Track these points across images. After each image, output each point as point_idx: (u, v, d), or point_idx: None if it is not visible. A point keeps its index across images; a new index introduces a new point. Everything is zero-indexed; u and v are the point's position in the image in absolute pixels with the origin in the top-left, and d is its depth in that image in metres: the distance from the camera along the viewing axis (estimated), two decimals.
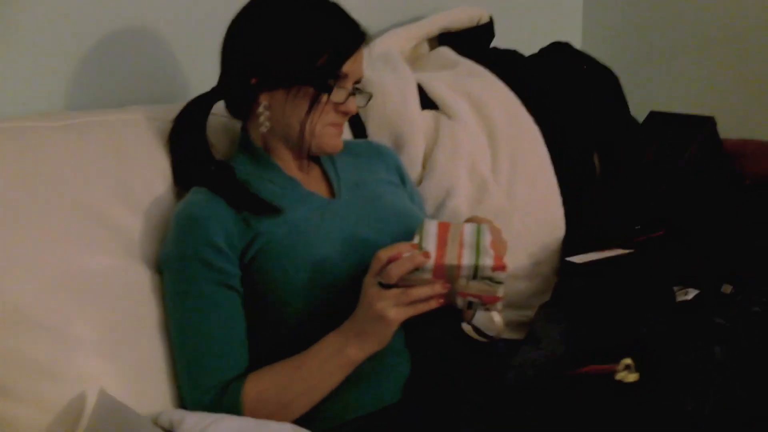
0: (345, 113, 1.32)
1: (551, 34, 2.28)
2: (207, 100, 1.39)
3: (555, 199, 1.82)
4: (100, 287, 1.25)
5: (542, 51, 2.17)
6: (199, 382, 1.23)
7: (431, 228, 1.15)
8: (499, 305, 1.16)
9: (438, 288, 1.13)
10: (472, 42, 2.09)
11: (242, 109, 1.37)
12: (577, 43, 2.61)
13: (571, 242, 1.79)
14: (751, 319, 1.38)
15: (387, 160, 1.52)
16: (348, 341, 1.17)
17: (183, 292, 1.25)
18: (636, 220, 1.85)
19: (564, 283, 1.73)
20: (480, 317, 1.33)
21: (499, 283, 1.13)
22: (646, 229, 1.81)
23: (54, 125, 1.33)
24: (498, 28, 2.17)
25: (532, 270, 1.76)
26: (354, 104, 1.32)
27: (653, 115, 2.08)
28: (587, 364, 1.26)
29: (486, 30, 2.13)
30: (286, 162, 1.36)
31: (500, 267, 1.11)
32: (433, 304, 1.14)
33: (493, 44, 2.17)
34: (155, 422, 1.19)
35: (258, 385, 1.21)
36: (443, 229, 1.16)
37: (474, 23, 2.10)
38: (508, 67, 1.98)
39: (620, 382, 1.19)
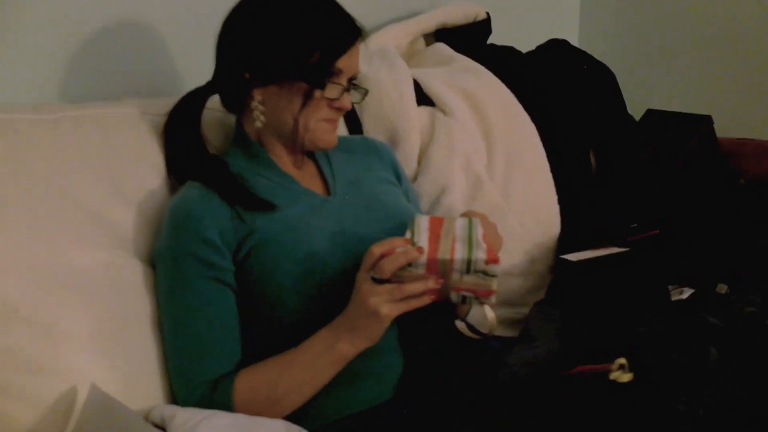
0: (339, 109, 1.31)
1: (548, 32, 2.28)
2: (201, 94, 1.39)
3: (551, 197, 1.81)
4: (92, 282, 1.24)
5: (539, 48, 2.16)
6: (190, 378, 1.22)
7: (423, 223, 1.15)
8: (493, 298, 1.16)
9: (431, 283, 1.12)
10: (469, 38, 2.08)
11: (236, 103, 1.36)
12: (574, 41, 2.61)
13: (567, 240, 1.79)
14: (746, 319, 1.38)
15: (382, 156, 1.51)
16: (339, 337, 1.17)
17: (176, 288, 1.24)
18: (632, 219, 1.85)
19: (559, 281, 1.73)
20: (473, 314, 1.33)
21: (493, 276, 1.13)
22: (641, 227, 1.80)
23: (46, 118, 1.32)
24: (495, 26, 2.16)
25: (527, 267, 1.76)
26: (348, 100, 1.32)
27: (650, 114, 2.09)
28: (582, 363, 1.26)
29: (483, 27, 2.12)
30: (281, 157, 1.36)
31: (493, 260, 1.11)
32: (426, 300, 1.14)
33: (489, 42, 2.16)
34: (147, 418, 1.19)
35: (249, 381, 1.20)
36: (435, 224, 1.15)
37: (471, 20, 2.09)
38: (505, 63, 1.97)
39: (614, 381, 1.18)
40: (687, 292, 1.58)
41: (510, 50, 2.09)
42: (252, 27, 1.29)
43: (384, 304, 1.12)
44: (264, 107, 1.31)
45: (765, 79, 2.22)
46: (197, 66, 1.46)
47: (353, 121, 1.72)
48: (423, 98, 1.81)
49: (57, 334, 1.18)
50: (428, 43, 2.11)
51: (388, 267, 1.10)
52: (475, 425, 1.19)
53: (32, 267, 1.19)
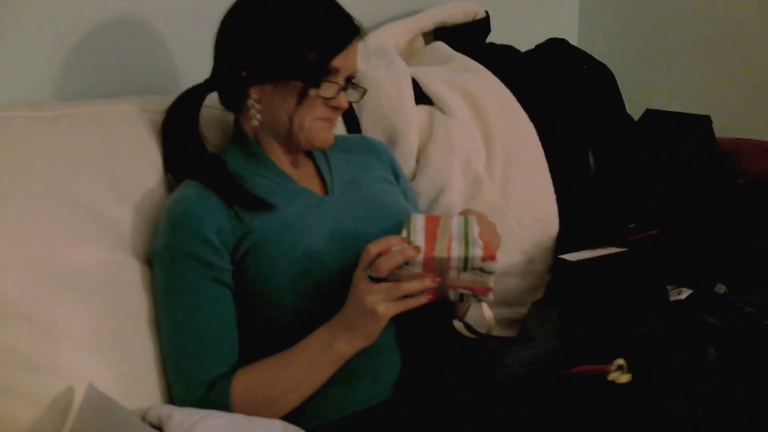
0: (336, 108, 1.31)
1: (547, 32, 2.27)
2: (199, 91, 1.38)
3: (549, 196, 1.81)
4: (90, 280, 1.24)
5: (538, 47, 2.15)
6: (187, 378, 1.22)
7: (419, 222, 1.15)
8: (490, 295, 1.16)
9: (428, 282, 1.12)
10: (468, 37, 2.08)
11: (234, 101, 1.36)
12: (573, 41, 2.60)
13: (565, 240, 1.78)
14: (745, 319, 1.37)
15: (381, 155, 1.51)
16: (337, 336, 1.17)
17: (173, 287, 1.24)
18: (630, 219, 1.84)
19: (557, 280, 1.73)
20: (471, 314, 1.33)
21: (490, 273, 1.12)
22: (640, 228, 1.80)
23: (45, 116, 1.32)
24: (494, 25, 2.16)
25: (525, 267, 1.76)
26: (345, 99, 1.31)
27: (649, 113, 2.08)
28: (580, 364, 1.26)
29: (482, 26, 2.12)
30: (278, 156, 1.36)
31: (490, 257, 1.11)
32: (423, 300, 1.14)
33: (488, 41, 2.16)
34: (144, 418, 1.19)
35: (246, 381, 1.20)
36: (431, 222, 1.15)
37: (470, 18, 2.09)
38: (504, 62, 1.97)
39: (613, 382, 1.18)
40: (685, 293, 1.58)
41: (509, 49, 2.09)
42: (249, 25, 1.29)
43: (381, 303, 1.12)
44: (260, 105, 1.30)
45: (764, 79, 2.22)
46: (196, 64, 1.45)
47: (351, 120, 1.72)
48: (422, 97, 1.80)
49: (55, 333, 1.18)
50: (427, 42, 2.10)
51: (385, 266, 1.10)
52: (473, 425, 1.19)
53: (31, 265, 1.19)
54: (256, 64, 1.28)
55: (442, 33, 2.08)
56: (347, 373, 1.20)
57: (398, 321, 1.19)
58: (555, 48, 2.13)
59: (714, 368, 1.22)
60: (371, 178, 1.43)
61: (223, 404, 1.18)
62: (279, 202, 1.28)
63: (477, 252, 1.10)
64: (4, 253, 1.17)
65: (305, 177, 1.38)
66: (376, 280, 1.12)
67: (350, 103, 1.56)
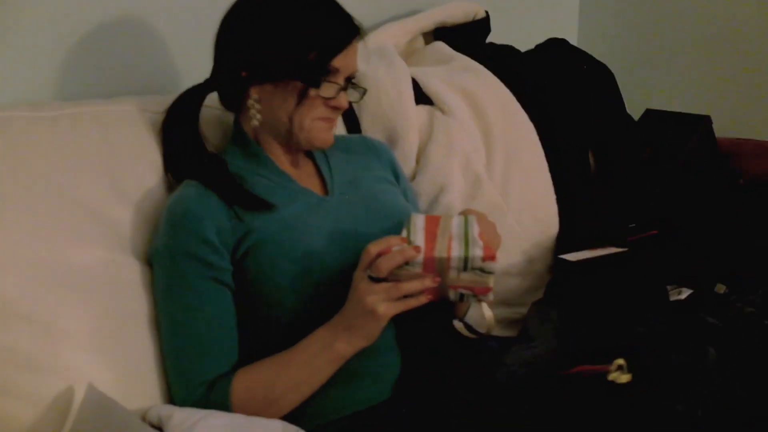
0: (336, 108, 1.31)
1: (547, 31, 2.27)
2: (200, 91, 1.38)
3: (549, 196, 1.81)
4: (90, 280, 1.24)
5: (538, 47, 2.15)
6: (187, 378, 1.22)
7: (419, 222, 1.15)
8: (490, 295, 1.16)
9: (428, 282, 1.12)
10: (468, 37, 2.08)
11: (234, 101, 1.36)
12: (573, 40, 2.60)
13: (565, 240, 1.78)
14: (745, 319, 1.37)
15: (381, 156, 1.51)
16: (336, 336, 1.17)
17: (173, 287, 1.24)
18: (630, 219, 1.84)
19: (557, 280, 1.73)
20: (471, 314, 1.33)
21: (490, 272, 1.12)
22: (640, 228, 1.80)
23: (45, 116, 1.32)
24: (494, 25, 2.16)
25: (525, 267, 1.76)
26: (345, 99, 1.31)
27: (649, 113, 2.08)
28: (580, 364, 1.26)
29: (481, 26, 2.12)
30: (278, 156, 1.36)
31: (490, 256, 1.11)
32: (423, 300, 1.13)
33: (488, 41, 2.16)
34: (143, 418, 1.19)
35: (246, 381, 1.20)
36: (431, 222, 1.15)
37: (470, 18, 2.09)
38: (504, 62, 1.97)
39: (613, 382, 1.18)
40: (685, 293, 1.57)
41: (509, 49, 2.09)
42: (248, 25, 1.29)
43: (381, 303, 1.11)
44: (260, 105, 1.30)
45: (764, 79, 2.22)
46: (196, 64, 1.45)
47: (351, 120, 1.72)
48: (422, 97, 1.80)
49: (55, 333, 1.18)
50: (427, 42, 2.10)
51: (385, 266, 1.10)
52: (473, 425, 1.19)
53: (31, 265, 1.19)
54: (256, 64, 1.28)
55: (442, 33, 2.08)
56: (347, 373, 1.20)
57: (398, 321, 1.19)
58: (555, 48, 2.13)
59: (714, 368, 1.22)
60: (371, 178, 1.43)
61: (223, 404, 1.18)
62: (279, 202, 1.28)
63: (477, 252, 1.10)
64: (4, 253, 1.17)
65: (305, 177, 1.38)
66: (376, 280, 1.12)
67: (350, 103, 1.56)
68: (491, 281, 1.14)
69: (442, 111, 1.77)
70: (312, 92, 1.27)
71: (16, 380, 1.14)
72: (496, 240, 1.28)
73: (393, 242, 1.11)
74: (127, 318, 1.26)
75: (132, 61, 1.60)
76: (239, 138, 1.36)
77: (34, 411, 1.14)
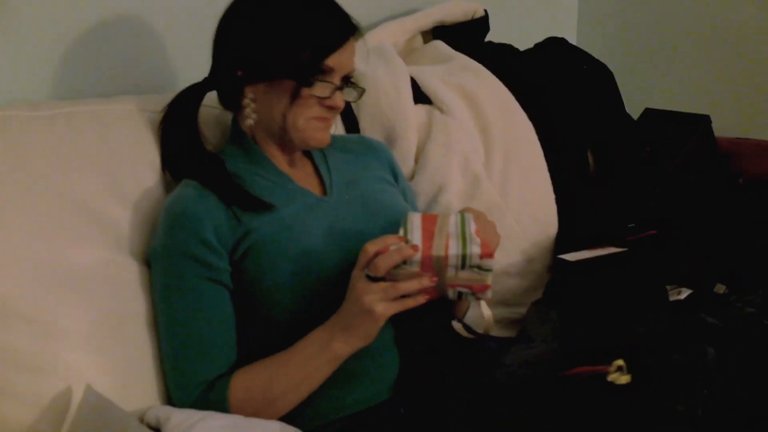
0: (331, 108, 1.30)
1: (546, 30, 2.27)
2: (198, 90, 1.38)
3: (548, 196, 1.81)
4: (88, 280, 1.24)
5: (537, 46, 2.15)
6: (186, 379, 1.21)
7: (415, 220, 1.15)
8: (489, 293, 1.16)
9: (426, 281, 1.12)
10: (467, 36, 2.07)
11: (231, 101, 1.35)
12: (572, 39, 2.60)
13: (564, 240, 1.78)
14: (744, 319, 1.37)
15: (380, 155, 1.50)
16: (334, 335, 1.16)
17: (172, 287, 1.24)
18: (630, 219, 1.84)
19: (556, 280, 1.73)
20: (470, 314, 1.33)
21: (488, 270, 1.12)
22: (639, 227, 1.80)
23: (41, 115, 1.32)
24: (493, 24, 2.15)
25: (524, 267, 1.75)
26: (341, 99, 1.30)
27: (648, 113, 2.08)
28: (579, 364, 1.25)
29: (480, 24, 2.11)
30: (276, 156, 1.35)
31: (488, 254, 1.11)
32: (421, 300, 1.13)
33: (487, 39, 2.15)
34: (142, 419, 1.18)
35: (244, 382, 1.20)
36: (428, 221, 1.15)
37: (469, 17, 2.08)
38: (503, 61, 1.96)
39: (612, 383, 1.18)
40: (685, 293, 1.57)
41: (508, 48, 2.09)
42: (244, 24, 1.29)
43: (378, 303, 1.11)
44: (255, 105, 1.30)
45: (763, 78, 2.21)
46: (194, 62, 1.45)
47: (350, 119, 1.71)
48: (420, 96, 1.80)
49: (54, 333, 1.18)
50: (426, 41, 2.10)
51: (383, 265, 1.09)
52: (473, 425, 1.19)
53: (30, 265, 1.19)
54: (250, 63, 1.28)
55: (440, 32, 2.08)
56: (346, 373, 1.19)
57: (396, 321, 1.18)
58: (554, 47, 2.13)
59: (714, 368, 1.22)
60: (370, 178, 1.43)
61: (221, 405, 1.18)
62: (277, 202, 1.28)
63: (475, 249, 1.10)
64: (3, 254, 1.17)
65: (304, 177, 1.37)
66: (374, 279, 1.12)
67: (349, 103, 1.56)
68: (489, 279, 1.14)
69: (441, 110, 1.77)
70: (305, 91, 1.26)
71: (14, 380, 1.14)
72: (495, 239, 1.28)
73: (390, 241, 1.11)
74: (126, 318, 1.25)
75: (130, 60, 1.60)
76: (237, 137, 1.36)
77: (32, 412, 1.13)
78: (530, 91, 1.90)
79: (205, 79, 1.38)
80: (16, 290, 1.16)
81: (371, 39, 1.88)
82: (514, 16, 2.43)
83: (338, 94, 1.29)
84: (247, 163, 1.34)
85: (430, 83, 1.80)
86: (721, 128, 2.03)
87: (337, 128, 1.65)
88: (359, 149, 1.49)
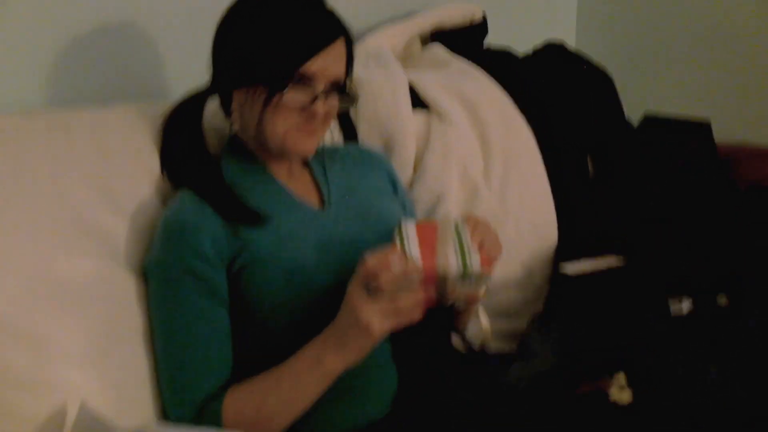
0: (311, 116, 1.26)
1: (545, 32, 2.26)
2: (201, 95, 1.37)
3: (548, 204, 1.79)
4: (83, 294, 1.22)
5: (536, 52, 2.14)
6: (181, 395, 1.20)
7: (411, 230, 1.13)
8: (480, 303, 1.17)
9: (425, 296, 1.10)
10: (466, 40, 2.06)
11: (224, 106, 1.34)
12: (571, 41, 2.59)
13: (564, 247, 1.77)
14: (747, 332, 1.37)
15: (379, 166, 1.49)
16: (326, 350, 1.14)
17: (168, 301, 1.22)
18: (629, 225, 1.83)
19: (557, 293, 1.71)
20: (471, 327, 1.32)
21: (486, 281, 1.12)
22: (640, 234, 1.79)
23: (35, 123, 1.30)
24: (492, 25, 2.14)
25: (524, 278, 1.74)
26: (322, 107, 1.25)
27: (648, 118, 2.07)
28: (580, 377, 1.25)
29: (479, 28, 2.10)
30: (272, 166, 1.34)
31: (487, 264, 1.11)
32: (417, 315, 1.11)
33: (486, 41, 2.14)
34: None
35: (238, 400, 1.18)
36: (424, 231, 1.14)
37: (467, 21, 2.07)
38: (502, 66, 1.95)
39: (615, 403, 1.18)
40: (686, 303, 1.56)
41: (507, 53, 2.07)
42: (230, 29, 1.28)
43: (376, 318, 1.09)
44: (238, 111, 1.29)
45: (764, 83, 2.20)
46: (192, 69, 1.43)
47: (348, 126, 1.70)
48: (418, 101, 1.78)
49: (48, 348, 1.16)
50: (424, 44, 2.08)
51: (386, 283, 1.07)
52: (473, 425, 1.19)
53: (23, 278, 1.17)
54: (232, 68, 1.27)
55: (439, 35, 2.06)
56: (342, 389, 1.18)
57: (394, 337, 1.17)
58: (553, 52, 2.11)
59: (715, 385, 1.21)
60: (368, 189, 1.41)
61: (215, 422, 1.17)
62: (274, 214, 1.26)
63: (475, 262, 1.10)
64: None
65: (301, 187, 1.36)
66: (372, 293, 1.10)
67: (347, 110, 1.54)
68: (483, 290, 1.14)
69: (440, 116, 1.75)
70: (277, 99, 1.23)
71: (8, 397, 1.12)
72: (497, 248, 1.26)
73: (392, 257, 1.09)
74: (122, 332, 1.24)
75: (127, 67, 1.58)
76: (234, 146, 1.35)
77: (26, 429, 1.12)
78: (529, 96, 1.89)
79: (208, 84, 1.36)
80: (6, 303, 1.14)
81: (370, 43, 1.87)
82: (513, 18, 2.41)
83: (320, 102, 1.25)
84: (243, 172, 1.32)
85: (429, 89, 1.78)
86: (722, 133, 2.02)
87: (335, 136, 1.64)
88: (358, 160, 1.47)
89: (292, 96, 1.23)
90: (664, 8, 2.43)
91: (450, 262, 1.09)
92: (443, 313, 1.25)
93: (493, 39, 2.14)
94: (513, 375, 1.34)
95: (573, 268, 1.65)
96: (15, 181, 1.22)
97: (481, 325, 1.30)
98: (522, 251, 1.74)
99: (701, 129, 1.95)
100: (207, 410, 1.18)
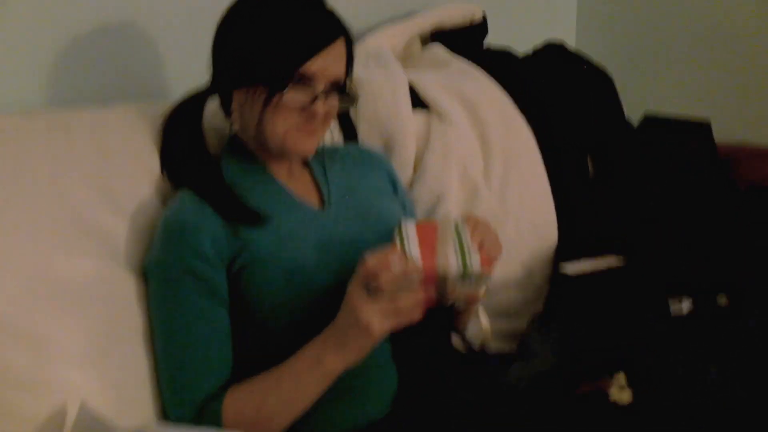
0: (311, 116, 1.25)
1: (545, 31, 2.26)
2: (202, 95, 1.37)
3: (548, 204, 1.79)
4: (83, 294, 1.22)
5: (536, 52, 2.14)
6: (181, 395, 1.20)
7: (411, 230, 1.13)
8: (480, 303, 1.17)
9: (425, 296, 1.10)
10: (466, 40, 2.06)
11: (224, 106, 1.34)
12: (571, 40, 2.59)
13: (564, 248, 1.77)
14: (747, 332, 1.37)
15: (379, 167, 1.49)
16: (326, 350, 1.14)
17: (168, 302, 1.22)
18: (629, 225, 1.83)
19: (557, 293, 1.71)
20: (471, 327, 1.32)
21: (486, 281, 1.12)
22: (639, 235, 1.79)
23: (35, 123, 1.30)
24: (492, 25, 2.14)
25: (524, 278, 1.74)
26: (321, 107, 1.25)
27: (648, 118, 2.07)
28: (580, 378, 1.25)
29: (479, 28, 2.10)
30: (273, 165, 1.34)
31: (487, 265, 1.10)
32: (416, 316, 1.11)
33: (486, 41, 2.14)
34: None
35: (238, 400, 1.18)
36: (424, 231, 1.14)
37: (467, 21, 2.07)
38: (502, 66, 1.95)
39: (615, 403, 1.18)
40: (686, 303, 1.56)
41: (507, 53, 2.07)
42: (229, 29, 1.28)
43: (377, 318, 1.09)
44: (238, 111, 1.29)
45: (764, 82, 2.20)
46: (192, 69, 1.43)
47: (348, 126, 1.70)
48: (418, 101, 1.78)
49: (48, 348, 1.16)
50: (424, 44, 2.08)
51: (386, 283, 1.07)
52: (473, 425, 1.19)
53: (22, 277, 1.17)
54: (232, 68, 1.27)
55: (439, 35, 2.06)
56: (342, 389, 1.18)
57: (394, 337, 1.17)
58: (553, 52, 2.11)
59: (715, 386, 1.21)
60: (368, 189, 1.41)
61: (215, 422, 1.16)
62: (274, 214, 1.26)
63: (475, 262, 1.10)
64: None
65: (301, 187, 1.36)
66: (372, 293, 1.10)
67: (347, 110, 1.54)
68: (482, 291, 1.14)
69: (440, 116, 1.75)
70: (277, 99, 1.23)
71: (8, 397, 1.12)
72: (497, 248, 1.26)
73: (392, 257, 1.09)
74: (122, 333, 1.24)
75: (127, 67, 1.58)
76: (234, 146, 1.35)
77: (26, 430, 1.11)
78: (529, 96, 1.89)
79: (208, 84, 1.36)
80: (6, 303, 1.14)
81: (370, 43, 1.87)
82: (513, 18, 2.41)
83: (320, 102, 1.25)
84: (244, 172, 1.32)
85: (429, 89, 1.78)
86: (722, 133, 2.02)
87: (335, 136, 1.64)
88: (358, 160, 1.47)
89: (292, 96, 1.23)
90: (664, 8, 2.43)
91: (450, 262, 1.09)
92: (443, 313, 1.25)
93: (493, 38, 2.14)
94: (513, 375, 1.34)
95: (573, 268, 1.65)
96: (15, 181, 1.22)
97: (481, 325, 1.30)
98: (522, 251, 1.74)
99: (701, 129, 1.95)
100: (207, 410, 1.18)
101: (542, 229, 1.77)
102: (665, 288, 1.59)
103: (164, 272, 1.22)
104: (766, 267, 1.65)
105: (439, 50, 1.99)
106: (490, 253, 1.18)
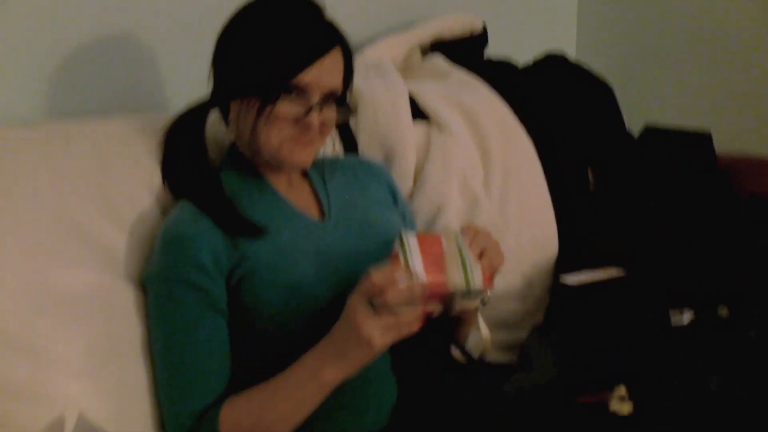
0: (306, 127, 1.25)
1: (546, 43, 2.26)
2: (204, 106, 1.37)
3: (548, 215, 1.79)
4: (82, 305, 1.22)
5: (537, 63, 2.14)
6: (178, 406, 1.20)
7: (413, 243, 1.12)
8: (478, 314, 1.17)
9: (428, 310, 1.10)
10: (466, 50, 2.06)
11: (223, 117, 1.34)
12: (572, 50, 2.59)
13: (565, 258, 1.76)
14: (747, 343, 1.36)
15: (379, 178, 1.48)
16: (324, 363, 1.13)
17: (167, 313, 1.22)
18: (630, 237, 1.83)
19: (557, 305, 1.71)
20: (471, 339, 1.32)
21: (486, 295, 1.13)
22: (640, 246, 1.78)
23: (35, 134, 1.31)
24: (492, 36, 2.14)
25: (524, 289, 1.73)
26: (316, 118, 1.24)
27: (649, 130, 2.07)
28: (581, 389, 1.24)
29: (479, 39, 2.10)
30: (272, 176, 1.34)
31: (489, 281, 1.11)
32: (416, 328, 1.10)
33: (486, 52, 2.14)
34: None
35: (234, 413, 1.18)
36: (427, 244, 1.13)
37: (467, 32, 2.07)
38: (502, 77, 1.95)
39: (615, 414, 1.17)
40: (687, 314, 1.56)
41: (507, 64, 2.07)
42: (226, 41, 1.28)
43: (378, 332, 1.07)
44: (234, 123, 1.29)
45: (764, 93, 2.20)
46: (192, 81, 1.44)
47: (348, 137, 1.70)
48: (418, 112, 1.78)
49: (47, 360, 1.16)
50: (424, 54, 2.08)
51: (392, 300, 1.05)
52: (473, 425, 1.20)
53: (21, 289, 1.17)
54: (227, 79, 1.28)
55: (439, 46, 2.06)
56: (341, 401, 1.17)
57: (393, 349, 1.16)
58: (553, 63, 2.11)
59: (715, 397, 1.21)
60: (368, 200, 1.41)
61: None
62: (273, 225, 1.26)
63: (477, 279, 1.10)
64: None
65: (301, 199, 1.35)
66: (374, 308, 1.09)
67: (347, 121, 1.54)
68: (478, 302, 1.15)
69: (440, 128, 1.75)
70: (269, 110, 1.22)
71: (7, 409, 1.12)
72: (499, 257, 1.24)
73: (398, 274, 1.07)
74: (121, 344, 1.24)
75: (126, 78, 1.59)
76: (233, 156, 1.35)
77: None
78: (530, 107, 1.89)
79: (210, 95, 1.36)
80: (7, 315, 1.14)
81: (370, 54, 1.87)
82: (513, 29, 2.41)
83: (315, 114, 1.24)
84: (243, 183, 1.32)
85: (429, 100, 1.78)
86: (723, 142, 2.01)
87: (335, 147, 1.64)
88: (358, 171, 1.47)
89: (285, 107, 1.23)
90: (664, 19, 2.43)
91: (456, 279, 1.09)
92: (443, 324, 1.25)
93: (493, 48, 2.14)
94: (513, 386, 1.33)
95: (573, 279, 1.65)
96: (14, 192, 1.22)
97: (481, 335, 1.29)
98: (522, 262, 1.74)
99: (702, 140, 1.95)
100: (204, 421, 1.17)
101: (542, 239, 1.77)
102: (666, 299, 1.59)
103: (163, 283, 1.22)
104: (767, 278, 1.64)
105: (439, 61, 1.99)
106: (492, 262, 1.18)
